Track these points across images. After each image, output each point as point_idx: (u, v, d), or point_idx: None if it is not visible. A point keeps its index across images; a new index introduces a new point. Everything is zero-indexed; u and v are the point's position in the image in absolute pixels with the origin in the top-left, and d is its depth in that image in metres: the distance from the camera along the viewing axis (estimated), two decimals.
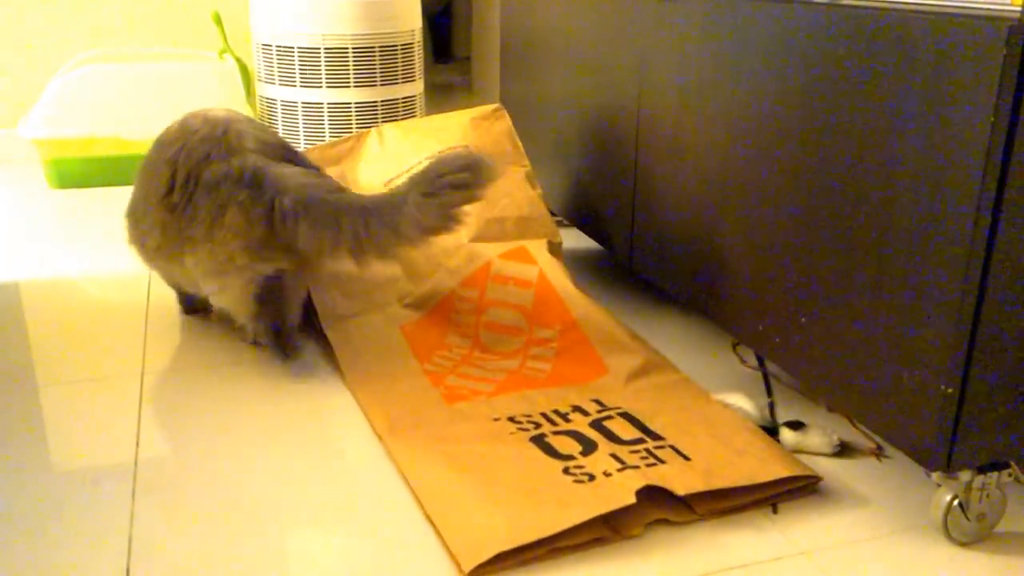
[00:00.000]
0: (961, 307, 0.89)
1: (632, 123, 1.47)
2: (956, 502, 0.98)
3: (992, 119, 0.83)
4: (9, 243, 1.88)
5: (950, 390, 0.91)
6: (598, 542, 1.00)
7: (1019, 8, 0.81)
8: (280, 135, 1.35)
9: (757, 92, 1.15)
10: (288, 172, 1.29)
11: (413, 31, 2.22)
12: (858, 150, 1.00)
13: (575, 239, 1.95)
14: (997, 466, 0.98)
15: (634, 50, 1.44)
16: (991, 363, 0.92)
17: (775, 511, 1.06)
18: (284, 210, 1.26)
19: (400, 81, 2.22)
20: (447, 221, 1.23)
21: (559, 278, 1.44)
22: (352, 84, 2.16)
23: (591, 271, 1.80)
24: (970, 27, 0.84)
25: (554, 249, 1.52)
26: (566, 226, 1.95)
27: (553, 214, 1.62)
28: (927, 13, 0.89)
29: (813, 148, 1.06)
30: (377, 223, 1.24)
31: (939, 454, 0.94)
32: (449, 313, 1.45)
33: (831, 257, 1.06)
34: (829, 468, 1.14)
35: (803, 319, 1.11)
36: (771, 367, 1.40)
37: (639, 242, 1.50)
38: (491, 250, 1.48)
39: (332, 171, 1.61)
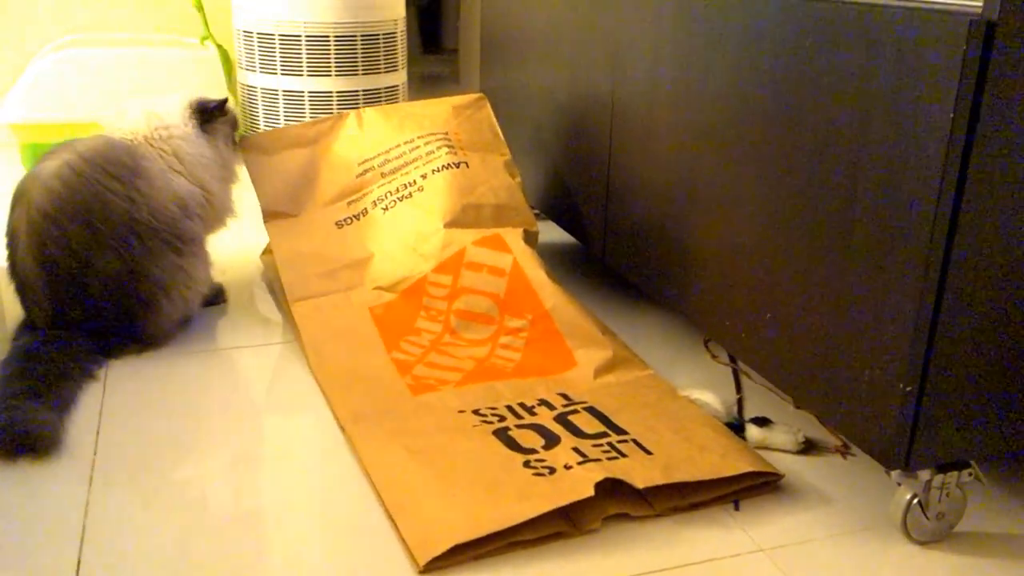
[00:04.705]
0: (920, 305, 0.88)
1: (606, 117, 1.46)
2: (916, 501, 0.98)
3: (952, 115, 0.82)
4: None
5: (909, 388, 0.91)
6: (556, 536, 0.99)
7: (980, 3, 0.80)
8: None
9: (727, 87, 1.14)
10: None
11: (396, 20, 2.21)
12: (823, 145, 0.99)
13: (551, 232, 1.94)
14: (957, 465, 0.98)
15: (608, 43, 1.43)
16: (950, 362, 0.91)
17: (737, 508, 1.05)
18: None
19: (383, 71, 2.21)
20: None
21: (533, 268, 1.42)
22: (333, 73, 2.14)
23: (567, 264, 1.79)
24: (933, 21, 0.83)
25: (530, 238, 1.51)
26: (543, 219, 1.94)
27: (531, 207, 1.61)
28: (891, 7, 0.88)
29: (779, 144, 1.06)
30: None
31: (898, 453, 0.93)
32: (420, 297, 1.43)
33: (795, 253, 1.05)
34: (794, 465, 1.14)
35: (768, 315, 1.10)
36: (742, 364, 1.40)
37: (612, 236, 1.49)
38: (466, 236, 1.46)
39: (302, 153, 1.60)
